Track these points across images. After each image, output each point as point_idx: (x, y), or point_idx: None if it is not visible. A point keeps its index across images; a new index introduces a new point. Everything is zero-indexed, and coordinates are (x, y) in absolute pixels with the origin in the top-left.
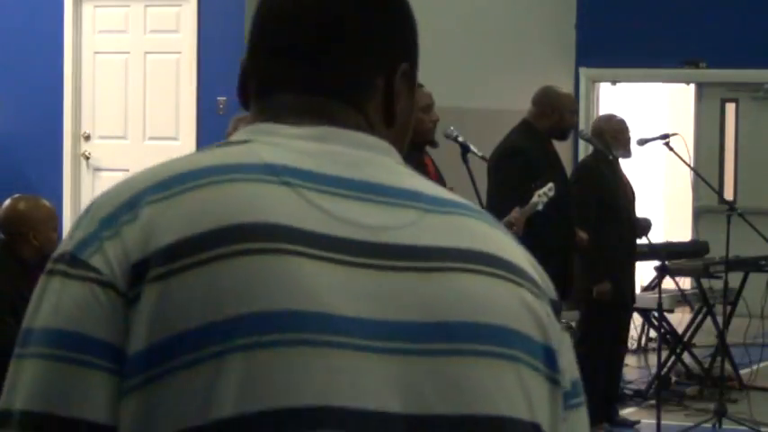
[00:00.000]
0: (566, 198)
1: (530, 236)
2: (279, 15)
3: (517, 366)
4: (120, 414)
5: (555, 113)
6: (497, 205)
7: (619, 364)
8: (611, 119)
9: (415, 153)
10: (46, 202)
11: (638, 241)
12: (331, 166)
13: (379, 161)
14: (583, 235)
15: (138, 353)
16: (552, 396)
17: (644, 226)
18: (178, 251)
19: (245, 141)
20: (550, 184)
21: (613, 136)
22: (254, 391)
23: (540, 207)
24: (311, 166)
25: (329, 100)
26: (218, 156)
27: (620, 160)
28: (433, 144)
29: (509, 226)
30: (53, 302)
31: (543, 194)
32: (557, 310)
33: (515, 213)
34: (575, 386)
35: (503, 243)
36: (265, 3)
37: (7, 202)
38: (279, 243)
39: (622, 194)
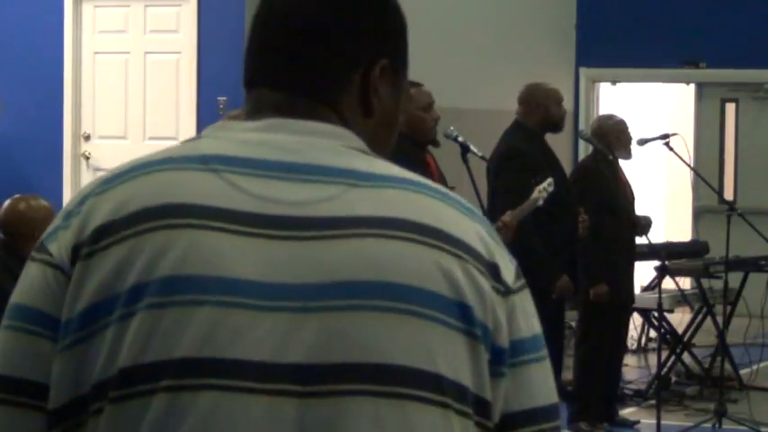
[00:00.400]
0: (567, 195)
1: (536, 236)
2: (266, 16)
3: (416, 320)
4: (53, 371)
5: (540, 108)
6: (500, 208)
7: (618, 365)
8: (612, 119)
9: (418, 152)
10: (45, 203)
11: (638, 241)
12: (268, 153)
13: (323, 144)
14: (585, 215)
15: (67, 320)
16: (471, 348)
17: (644, 224)
18: (102, 232)
19: (200, 137)
20: (550, 179)
21: (616, 137)
22: (147, 344)
23: (540, 202)
24: (249, 153)
25: (296, 95)
26: (167, 151)
27: (620, 160)
28: (435, 143)
29: (498, 230)
30: (22, 282)
31: (543, 189)
32: (494, 275)
33: (506, 217)
34: (519, 345)
35: (438, 213)
36: (260, 5)
37: (7, 202)
38: (189, 219)
39: (622, 195)
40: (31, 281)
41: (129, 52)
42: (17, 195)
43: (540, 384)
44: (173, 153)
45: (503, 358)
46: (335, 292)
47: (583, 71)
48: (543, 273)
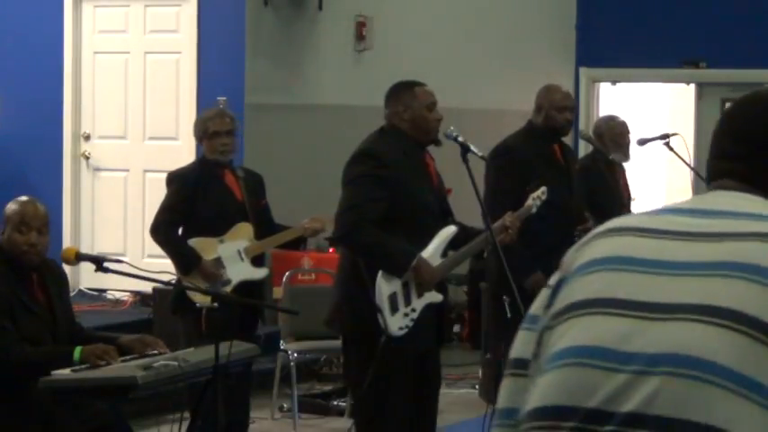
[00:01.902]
0: (566, 197)
1: (529, 234)
2: (723, 131)
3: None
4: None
5: (542, 111)
6: (490, 204)
7: None
8: (613, 120)
9: (418, 151)
10: (26, 204)
11: None
12: (699, 204)
13: (740, 202)
14: (590, 222)
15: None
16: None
17: None
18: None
19: (687, 200)
20: (543, 188)
21: (612, 138)
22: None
23: (533, 210)
24: (689, 205)
25: (740, 183)
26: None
27: (622, 165)
28: (437, 143)
29: (504, 229)
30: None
31: (537, 197)
32: None
33: (509, 217)
34: None
35: None
36: (720, 122)
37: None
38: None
39: (613, 196)
40: (539, 298)
41: (129, 52)
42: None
43: None
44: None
45: None
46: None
47: (583, 71)
48: (520, 268)
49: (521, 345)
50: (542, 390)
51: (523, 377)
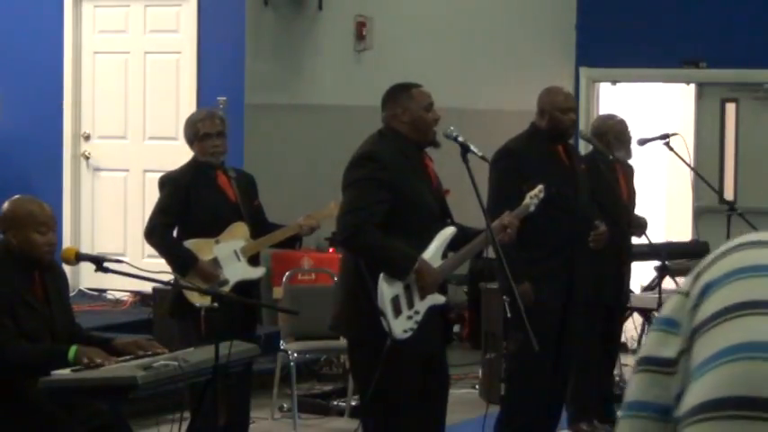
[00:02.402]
0: (572, 198)
1: (532, 234)
2: None
3: None
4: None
5: (545, 114)
6: (492, 206)
7: (612, 364)
8: (611, 119)
9: (417, 153)
10: (35, 203)
11: (639, 241)
12: None
13: None
14: (602, 227)
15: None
16: None
17: (640, 224)
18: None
19: None
20: (540, 186)
21: (615, 137)
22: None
23: (531, 209)
24: None
25: None
26: None
27: (629, 163)
28: (436, 144)
29: (503, 228)
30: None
31: (534, 196)
32: None
33: (507, 216)
34: None
35: None
36: None
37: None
38: None
39: (613, 196)
40: (672, 301)
41: (129, 52)
42: (20, 195)
43: None
44: None
45: None
46: None
47: (583, 71)
48: (512, 275)
49: (655, 344)
50: (710, 384)
51: (661, 374)
